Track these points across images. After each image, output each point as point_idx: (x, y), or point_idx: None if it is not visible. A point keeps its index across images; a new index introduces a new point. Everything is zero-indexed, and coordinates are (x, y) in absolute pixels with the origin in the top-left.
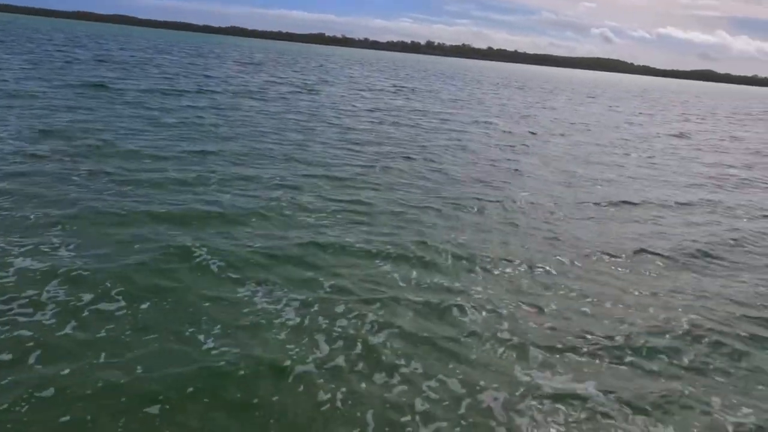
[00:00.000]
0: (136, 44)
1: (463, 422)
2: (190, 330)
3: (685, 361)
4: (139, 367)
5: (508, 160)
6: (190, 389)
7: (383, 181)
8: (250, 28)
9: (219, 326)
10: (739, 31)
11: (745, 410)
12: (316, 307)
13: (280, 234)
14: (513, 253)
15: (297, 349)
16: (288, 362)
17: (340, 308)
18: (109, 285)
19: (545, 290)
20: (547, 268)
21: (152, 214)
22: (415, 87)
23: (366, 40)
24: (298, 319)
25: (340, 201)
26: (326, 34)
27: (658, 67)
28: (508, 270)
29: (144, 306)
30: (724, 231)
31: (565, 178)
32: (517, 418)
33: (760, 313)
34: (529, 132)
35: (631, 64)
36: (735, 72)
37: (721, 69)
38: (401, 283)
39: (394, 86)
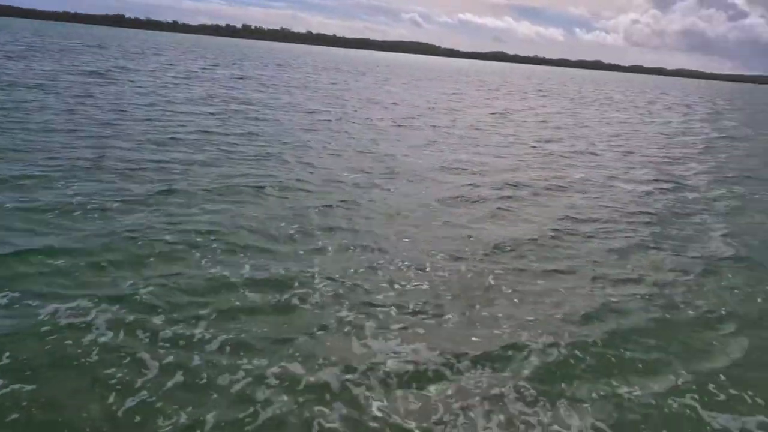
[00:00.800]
0: None
1: (300, 399)
2: None
3: (505, 336)
4: None
5: (361, 149)
6: None
7: (218, 188)
8: (24, 6)
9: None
10: (521, 17)
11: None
12: (130, 320)
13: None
14: (342, 250)
15: (122, 372)
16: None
17: (159, 320)
18: None
19: (383, 281)
20: (381, 260)
21: None
22: (239, 74)
23: (175, 23)
24: (111, 335)
25: (158, 213)
26: (126, 16)
27: (461, 50)
28: (338, 261)
29: None
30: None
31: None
32: (354, 390)
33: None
34: (371, 119)
35: (439, 47)
36: (521, 53)
37: (510, 50)
38: (233, 285)
39: (217, 73)
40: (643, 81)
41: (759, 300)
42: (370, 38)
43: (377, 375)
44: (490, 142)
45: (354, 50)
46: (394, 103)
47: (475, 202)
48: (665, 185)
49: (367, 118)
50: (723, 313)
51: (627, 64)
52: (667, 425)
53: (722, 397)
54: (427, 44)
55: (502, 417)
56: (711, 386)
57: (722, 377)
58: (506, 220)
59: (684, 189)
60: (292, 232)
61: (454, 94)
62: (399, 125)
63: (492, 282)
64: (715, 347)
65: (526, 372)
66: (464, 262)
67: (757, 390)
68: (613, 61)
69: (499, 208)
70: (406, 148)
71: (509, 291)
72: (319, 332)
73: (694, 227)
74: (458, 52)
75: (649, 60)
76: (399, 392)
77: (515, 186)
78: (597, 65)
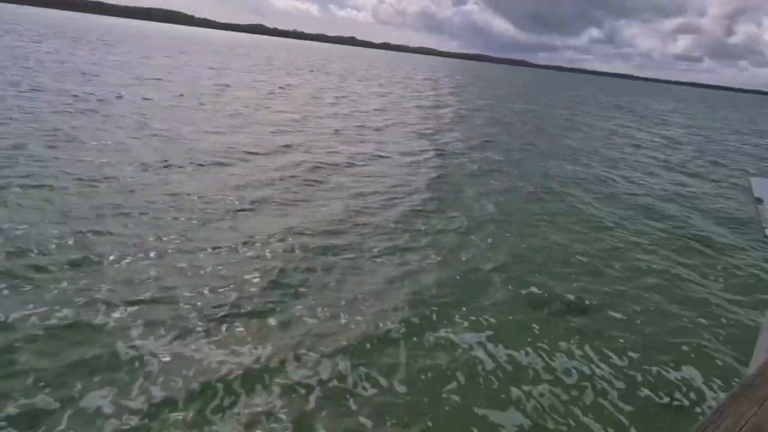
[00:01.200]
0: None
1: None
2: None
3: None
4: None
5: (133, 135)
6: None
7: None
8: None
9: None
10: None
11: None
12: None
13: None
14: (121, 257)
15: None
16: None
17: None
18: None
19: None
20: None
21: None
22: None
23: None
24: None
25: None
26: None
27: (218, 20)
28: (119, 272)
29: None
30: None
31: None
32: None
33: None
34: (136, 99)
35: (193, 16)
36: (281, 27)
37: (270, 23)
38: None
39: None
40: (393, 57)
41: (504, 247)
42: (112, 2)
43: (180, 389)
44: (268, 121)
45: (91, 15)
46: (159, 79)
47: (261, 185)
48: (429, 154)
49: (130, 99)
50: (481, 260)
51: (377, 41)
52: (454, 360)
53: (484, 324)
54: (179, 12)
55: (317, 403)
56: (480, 318)
57: (485, 309)
58: (295, 203)
59: (443, 156)
60: (54, 244)
61: (222, 68)
62: (170, 105)
63: (291, 268)
64: (480, 289)
65: (339, 350)
66: (258, 250)
67: (499, 314)
68: (365, 38)
69: (287, 189)
70: (182, 130)
71: (310, 276)
72: (109, 360)
73: (453, 190)
74: (215, 22)
75: (395, 38)
76: (200, 401)
77: (298, 165)
78: (352, 41)
